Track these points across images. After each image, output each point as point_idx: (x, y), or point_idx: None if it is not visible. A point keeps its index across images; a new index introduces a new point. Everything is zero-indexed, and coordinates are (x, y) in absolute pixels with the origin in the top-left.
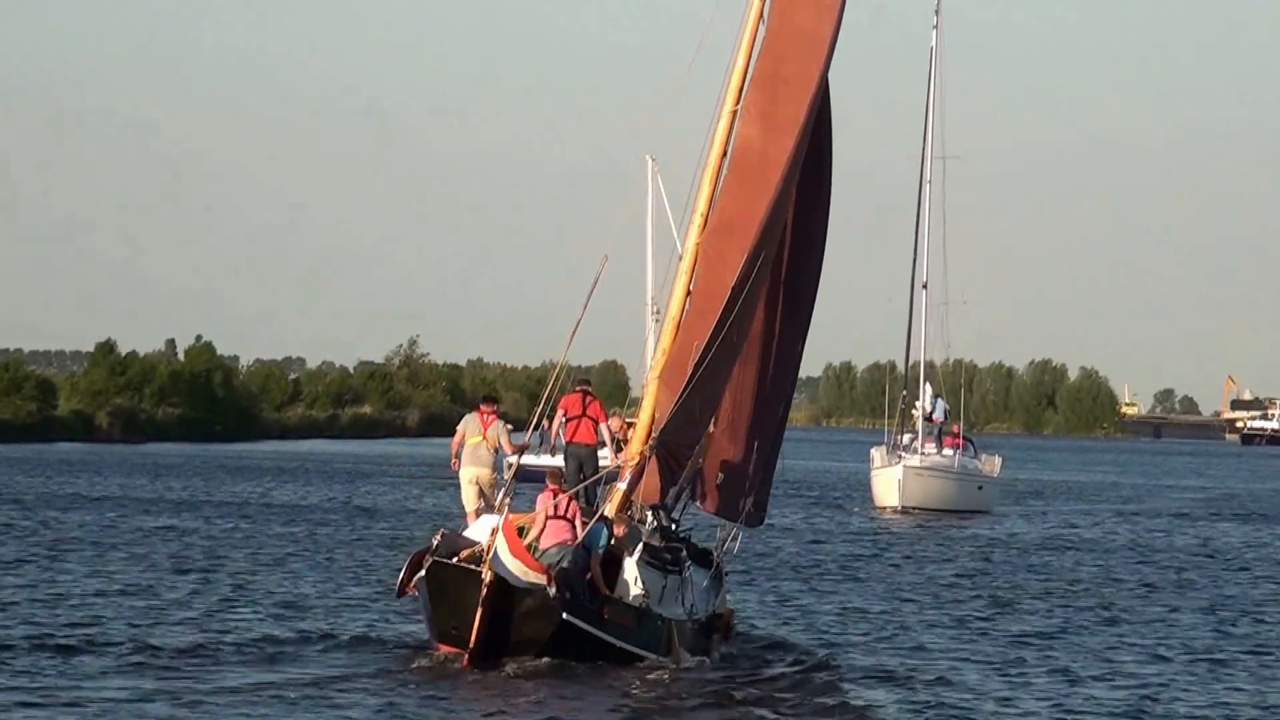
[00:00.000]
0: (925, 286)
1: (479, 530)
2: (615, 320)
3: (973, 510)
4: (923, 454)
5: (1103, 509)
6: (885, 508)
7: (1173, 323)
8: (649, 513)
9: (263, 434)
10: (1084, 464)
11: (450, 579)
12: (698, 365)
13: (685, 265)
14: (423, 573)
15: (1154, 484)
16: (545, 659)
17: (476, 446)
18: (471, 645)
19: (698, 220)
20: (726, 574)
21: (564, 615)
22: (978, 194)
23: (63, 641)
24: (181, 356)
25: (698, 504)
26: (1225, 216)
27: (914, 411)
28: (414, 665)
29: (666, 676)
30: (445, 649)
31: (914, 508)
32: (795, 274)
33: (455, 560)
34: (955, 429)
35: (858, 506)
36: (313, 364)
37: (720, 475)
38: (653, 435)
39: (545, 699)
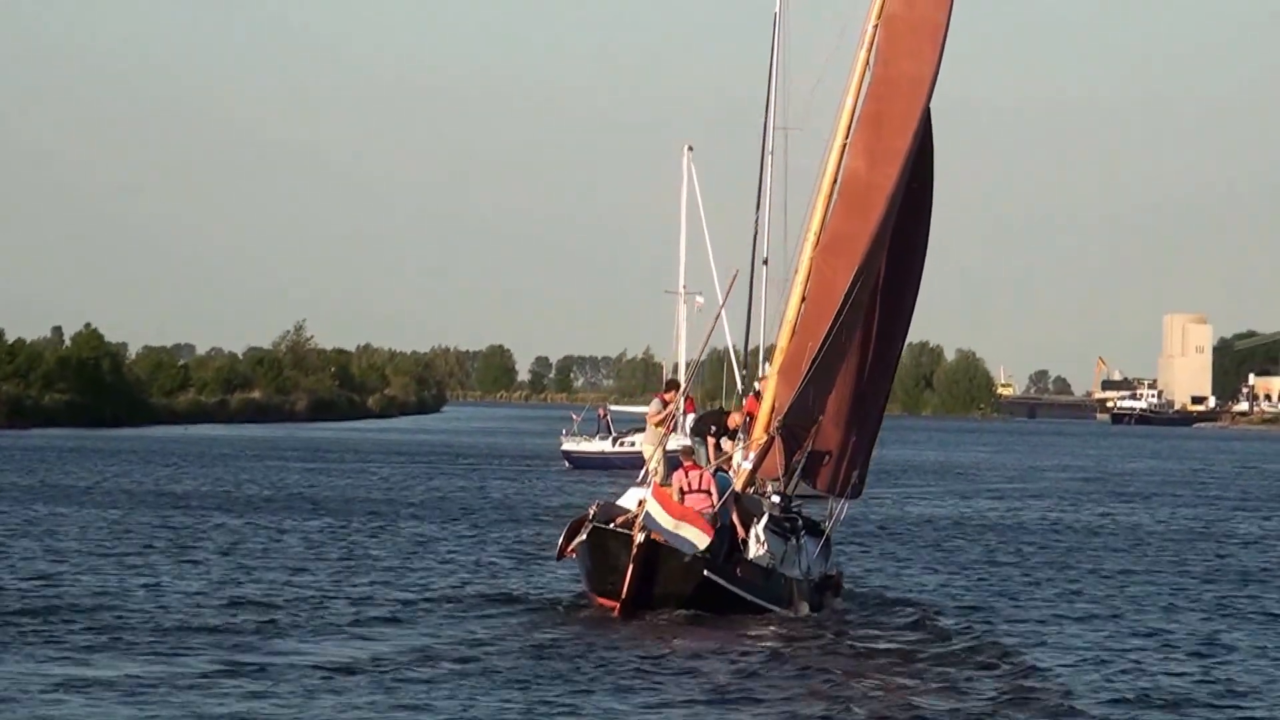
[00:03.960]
0: (766, 263)
1: (629, 500)
2: (500, 305)
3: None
4: None
5: (947, 488)
6: None
7: (1046, 305)
8: (770, 486)
9: (152, 420)
10: (953, 444)
11: (607, 541)
12: (812, 362)
13: (800, 278)
14: (582, 536)
15: (1016, 463)
16: (687, 610)
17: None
18: (623, 598)
19: (811, 239)
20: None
21: (705, 572)
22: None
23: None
24: (68, 343)
25: (808, 483)
26: (1097, 197)
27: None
28: (576, 615)
29: (790, 627)
30: (602, 602)
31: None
32: (897, 286)
33: (611, 525)
34: None
35: None
36: (201, 350)
37: (828, 457)
38: (774, 421)
39: (688, 643)
